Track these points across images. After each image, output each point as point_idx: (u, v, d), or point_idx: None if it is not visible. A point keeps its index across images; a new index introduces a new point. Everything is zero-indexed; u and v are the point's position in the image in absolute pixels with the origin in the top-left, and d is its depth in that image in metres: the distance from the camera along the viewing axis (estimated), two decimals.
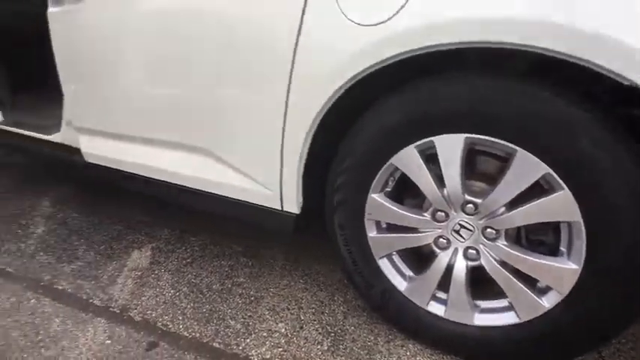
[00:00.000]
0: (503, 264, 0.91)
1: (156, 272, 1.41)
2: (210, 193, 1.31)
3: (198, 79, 1.19)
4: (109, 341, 1.13)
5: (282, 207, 1.18)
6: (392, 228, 1.04)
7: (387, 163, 0.97)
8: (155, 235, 1.63)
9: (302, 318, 1.20)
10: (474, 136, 0.85)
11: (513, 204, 0.86)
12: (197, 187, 1.34)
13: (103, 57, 1.38)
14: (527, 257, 0.88)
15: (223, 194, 1.29)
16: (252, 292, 1.30)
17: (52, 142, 1.79)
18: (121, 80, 1.38)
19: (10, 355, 1.10)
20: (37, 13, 2.09)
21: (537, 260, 0.87)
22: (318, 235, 1.29)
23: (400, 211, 1.00)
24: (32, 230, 1.69)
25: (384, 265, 1.07)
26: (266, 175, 1.17)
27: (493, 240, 0.91)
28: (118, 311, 1.24)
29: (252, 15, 1.03)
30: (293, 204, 1.16)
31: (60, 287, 1.35)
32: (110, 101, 1.44)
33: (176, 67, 1.22)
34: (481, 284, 0.97)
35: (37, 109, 2.10)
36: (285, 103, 1.04)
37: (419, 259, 1.06)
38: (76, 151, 1.66)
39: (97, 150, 1.56)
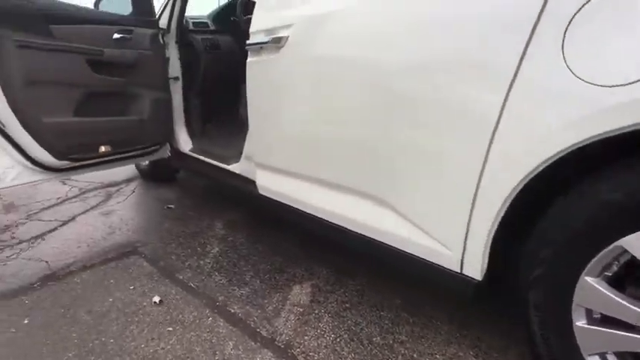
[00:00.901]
0: None
1: (316, 312, 1.43)
2: (379, 241, 1.29)
3: (382, 127, 1.19)
4: None
5: (461, 270, 1.09)
6: (611, 321, 0.86)
7: (613, 245, 0.81)
8: (314, 271, 1.68)
9: None
10: None
11: None
12: (365, 234, 1.33)
13: (290, 102, 1.50)
14: None
15: (392, 244, 1.25)
16: (415, 355, 1.22)
17: (231, 171, 2.02)
18: (304, 124, 1.48)
19: None
20: (235, 60, 2.41)
21: None
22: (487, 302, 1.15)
23: (630, 306, 0.81)
24: (209, 250, 1.90)
25: None
26: (447, 234, 1.10)
27: None
28: (283, 346, 1.28)
29: (458, 64, 0.99)
30: (475, 269, 1.06)
31: (232, 310, 1.46)
32: (291, 143, 1.55)
33: (360, 114, 1.25)
34: None
35: (220, 140, 2.41)
36: (482, 164, 0.96)
37: None
38: (252, 183, 1.84)
39: (271, 185, 1.69)
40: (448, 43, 1.01)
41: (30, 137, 1.72)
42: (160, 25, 2.23)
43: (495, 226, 0.99)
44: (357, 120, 1.27)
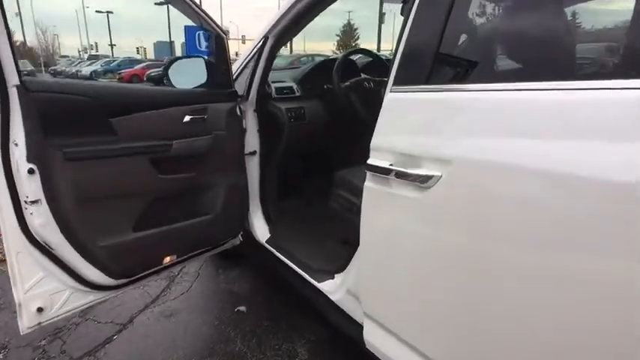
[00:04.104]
0: None
1: None
2: None
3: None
4: None
5: None
6: None
7: None
8: None
9: None
10: None
11: None
12: None
13: (432, 260, 1.01)
14: None
15: None
16: None
17: (321, 292, 1.57)
18: (448, 292, 0.99)
19: None
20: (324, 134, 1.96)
21: None
22: None
23: None
24: None
25: None
26: None
27: None
28: None
29: None
30: None
31: None
32: (425, 311, 1.07)
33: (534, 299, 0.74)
34: None
35: (303, 235, 1.97)
36: None
37: None
38: (354, 325, 1.38)
39: (386, 348, 1.21)
40: None
41: (83, 260, 1.37)
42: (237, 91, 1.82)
43: None
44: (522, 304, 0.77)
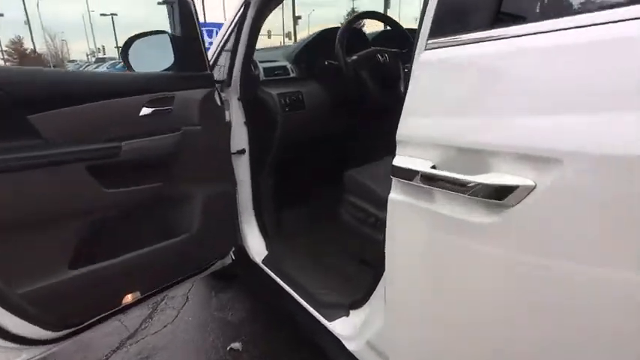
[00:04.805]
0: None
1: None
2: None
3: None
4: None
5: None
6: None
7: None
8: None
9: None
10: None
11: None
12: None
13: (468, 286, 0.61)
14: None
15: None
16: None
17: (332, 333, 1.18)
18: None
19: None
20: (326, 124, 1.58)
21: None
22: None
23: None
24: None
25: None
26: None
27: None
28: None
29: None
30: None
31: None
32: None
33: None
34: None
35: (307, 252, 1.59)
36: None
37: None
38: None
39: None
40: None
41: (3, 310, 1.00)
42: (216, 75, 1.43)
43: None
44: None
